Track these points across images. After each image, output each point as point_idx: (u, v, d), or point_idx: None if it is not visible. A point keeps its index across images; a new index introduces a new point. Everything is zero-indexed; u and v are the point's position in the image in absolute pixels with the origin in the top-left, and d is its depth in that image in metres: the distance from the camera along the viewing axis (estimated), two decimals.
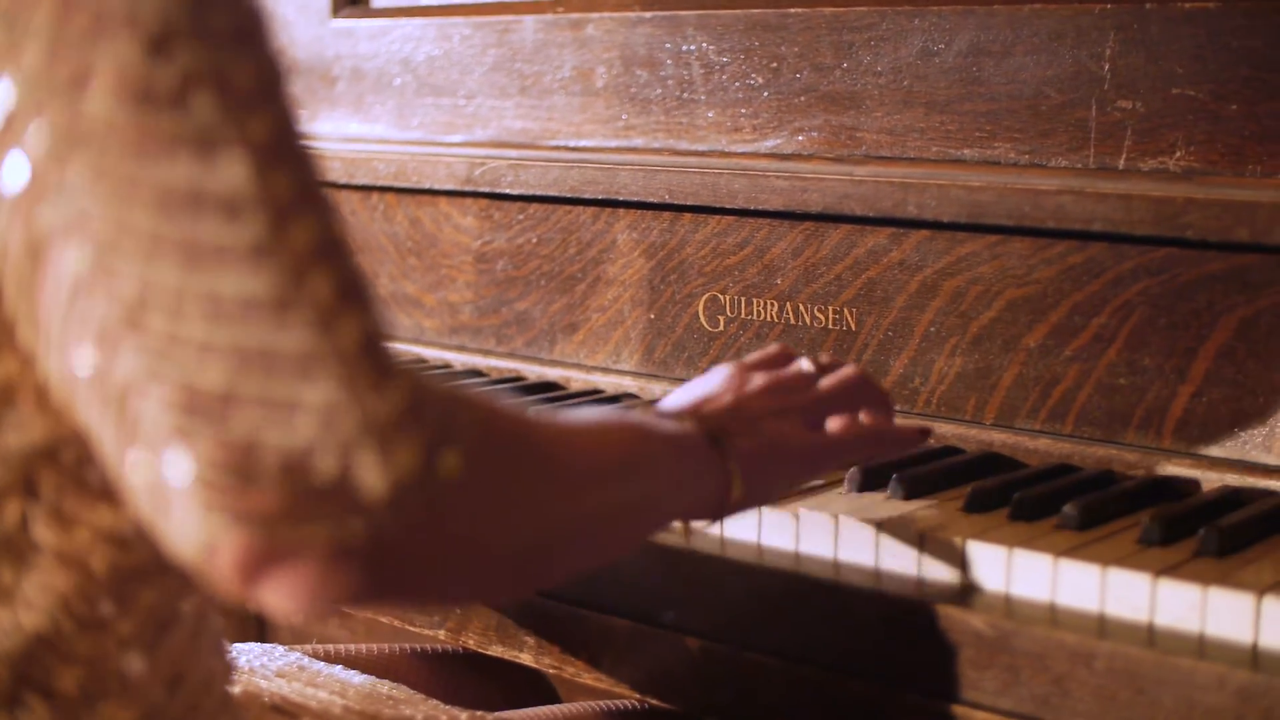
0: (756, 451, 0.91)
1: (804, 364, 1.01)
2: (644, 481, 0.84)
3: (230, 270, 0.62)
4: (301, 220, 0.64)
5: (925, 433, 1.05)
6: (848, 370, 1.01)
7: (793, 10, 1.33)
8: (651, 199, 1.34)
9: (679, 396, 0.97)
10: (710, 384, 0.97)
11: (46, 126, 0.63)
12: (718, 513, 0.90)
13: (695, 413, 0.92)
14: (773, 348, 1.03)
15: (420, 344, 1.56)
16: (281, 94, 0.66)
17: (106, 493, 0.71)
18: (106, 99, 0.62)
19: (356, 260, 0.67)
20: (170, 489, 0.63)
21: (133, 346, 0.62)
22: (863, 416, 1.01)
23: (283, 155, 0.65)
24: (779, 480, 0.96)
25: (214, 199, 0.63)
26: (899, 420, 1.05)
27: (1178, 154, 1.14)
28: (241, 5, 0.65)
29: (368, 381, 0.63)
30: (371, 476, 0.63)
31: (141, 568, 0.74)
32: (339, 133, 1.68)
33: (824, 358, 1.03)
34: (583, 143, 1.47)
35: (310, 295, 0.63)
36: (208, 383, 0.62)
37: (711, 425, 0.90)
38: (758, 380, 0.97)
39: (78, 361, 0.64)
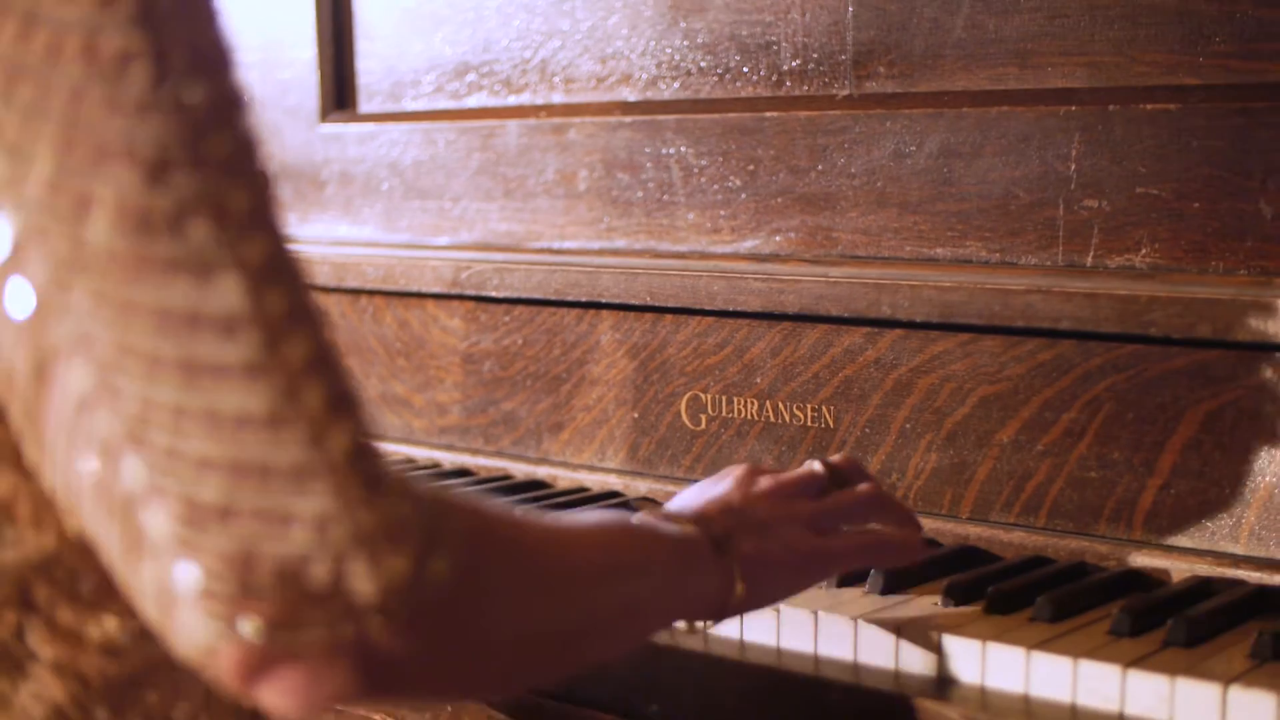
0: (759, 554, 0.93)
1: (814, 465, 1.04)
2: (640, 582, 0.87)
3: (227, 388, 0.66)
4: (294, 338, 0.67)
5: (928, 545, 1.07)
6: (864, 486, 1.04)
7: (768, 114, 1.38)
8: (633, 301, 1.39)
9: (687, 497, 1.00)
10: (718, 486, 1.00)
11: (49, 254, 0.66)
12: (720, 613, 0.93)
13: (700, 515, 0.94)
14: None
15: (410, 443, 1.59)
16: (273, 216, 0.70)
17: (100, 604, 0.75)
18: (107, 226, 0.66)
19: (347, 373, 0.70)
20: (174, 596, 0.66)
21: (135, 461, 0.66)
22: (874, 526, 1.04)
23: (275, 275, 0.68)
24: (781, 584, 0.97)
25: (210, 320, 0.66)
26: (910, 532, 1.06)
27: (1143, 251, 1.19)
28: (235, 133, 0.69)
29: (358, 493, 0.67)
30: (363, 583, 0.66)
31: (136, 676, 0.77)
32: (329, 235, 1.73)
33: (836, 457, 1.06)
34: (566, 244, 1.51)
35: (303, 411, 0.66)
36: (207, 496, 0.65)
37: (715, 528, 0.92)
38: (764, 483, 1.00)
39: (83, 475, 0.67)
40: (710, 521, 0.93)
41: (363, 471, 0.67)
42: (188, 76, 0.67)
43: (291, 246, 0.70)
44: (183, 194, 0.66)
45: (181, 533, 0.65)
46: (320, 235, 1.73)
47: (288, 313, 0.68)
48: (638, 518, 0.91)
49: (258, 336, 0.66)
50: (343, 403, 0.68)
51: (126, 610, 0.75)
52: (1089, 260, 1.21)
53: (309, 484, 0.66)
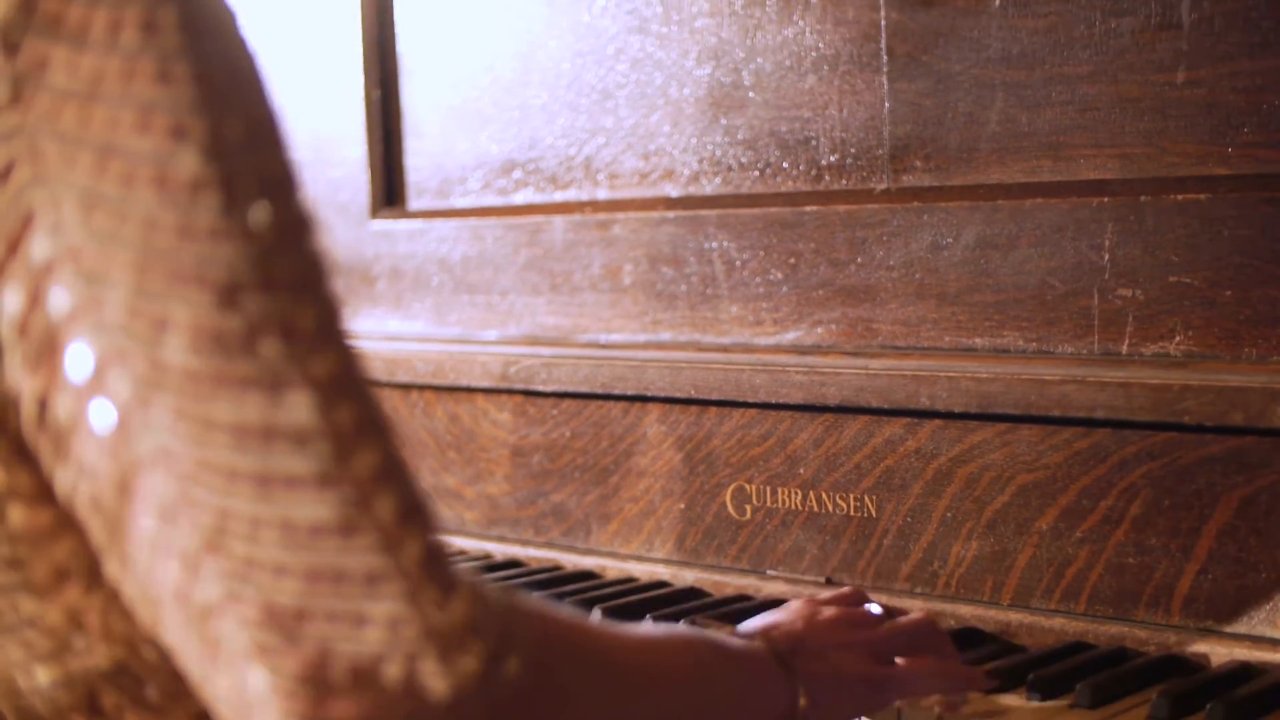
0: (822, 674, 1.00)
1: (874, 608, 1.12)
2: (705, 689, 0.92)
3: (301, 498, 0.70)
4: (363, 449, 0.71)
5: (984, 678, 1.12)
6: (917, 616, 1.12)
7: (808, 208, 1.43)
8: (679, 394, 1.44)
9: (754, 623, 1.06)
10: (783, 614, 1.07)
11: (130, 374, 0.70)
12: None
13: (765, 635, 1.01)
14: (846, 589, 1.15)
15: (462, 535, 1.64)
16: (340, 331, 0.73)
17: (166, 710, 0.79)
18: (183, 347, 0.70)
19: (416, 481, 0.74)
20: (251, 700, 0.70)
21: (213, 570, 0.70)
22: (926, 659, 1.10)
23: (344, 389, 0.72)
24: (844, 702, 1.03)
25: (283, 434, 0.70)
26: (958, 664, 1.13)
27: (1177, 339, 1.23)
28: (302, 253, 0.73)
29: (430, 596, 0.70)
30: (436, 682, 0.70)
31: None
32: (380, 330, 1.79)
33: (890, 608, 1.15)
34: (613, 337, 1.57)
35: (374, 519, 0.70)
36: (283, 602, 0.69)
37: (780, 646, 1.00)
38: (828, 613, 1.07)
39: (163, 584, 0.71)
40: (775, 639, 1.00)
41: (435, 575, 0.71)
42: (256, 202, 0.71)
43: (359, 360, 0.74)
44: (253, 315, 0.70)
45: (259, 638, 0.69)
46: (372, 330, 1.79)
47: (357, 425, 0.71)
48: (703, 632, 0.97)
49: (328, 449, 0.70)
50: (413, 510, 0.72)
51: (192, 715, 0.79)
52: (1124, 348, 1.25)
53: (382, 588, 0.70)
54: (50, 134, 0.71)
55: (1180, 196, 1.23)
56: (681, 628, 0.97)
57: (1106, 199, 1.26)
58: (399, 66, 1.80)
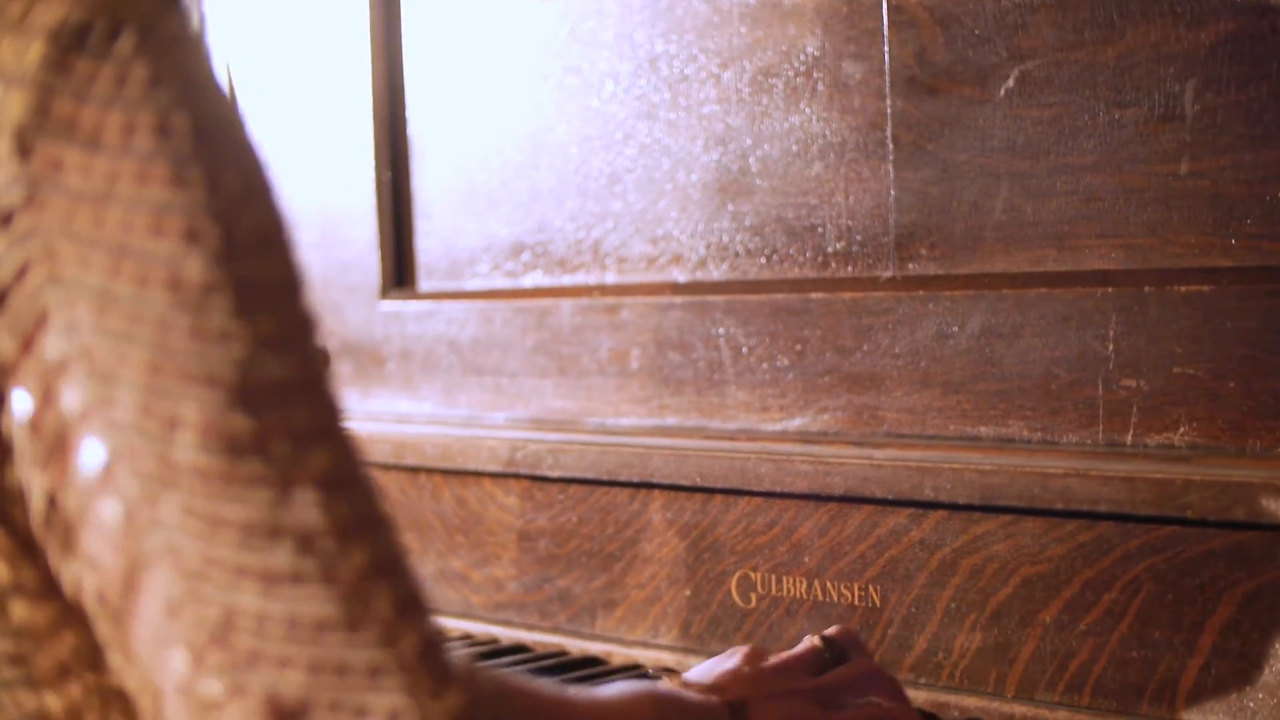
0: None
1: (814, 640, 1.16)
2: None
3: (305, 594, 0.71)
4: (363, 544, 0.73)
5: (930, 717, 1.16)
6: (860, 661, 1.14)
7: (814, 296, 1.44)
8: (684, 482, 1.45)
9: (700, 670, 1.11)
10: (728, 662, 1.11)
11: (139, 471, 0.72)
12: None
13: (718, 688, 1.06)
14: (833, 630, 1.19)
15: (467, 618, 1.65)
16: (338, 427, 0.76)
17: None
18: (192, 446, 0.71)
19: (413, 574, 0.76)
20: None
21: (218, 663, 0.71)
22: (875, 699, 1.12)
23: (345, 486, 0.74)
24: None
25: (289, 532, 0.72)
26: (905, 706, 1.17)
27: (1182, 429, 1.24)
28: (304, 353, 0.75)
29: (428, 688, 0.72)
30: None
31: None
32: (390, 410, 1.81)
33: (833, 630, 1.18)
34: (620, 421, 1.58)
35: (375, 613, 0.72)
36: (288, 694, 0.71)
37: (733, 698, 1.04)
38: (774, 660, 1.12)
39: (168, 677, 0.73)
40: (726, 690, 1.05)
41: (432, 666, 0.73)
42: (264, 305, 0.73)
43: (358, 454, 0.76)
44: (260, 415, 0.72)
45: None
46: (381, 410, 1.81)
47: (355, 521, 0.73)
48: (662, 685, 1.02)
49: (330, 545, 0.72)
50: (411, 602, 0.74)
51: None
52: (1128, 438, 1.26)
53: (383, 680, 0.72)
54: (65, 235, 0.73)
55: (1184, 288, 1.24)
56: (644, 685, 1.01)
57: (1111, 289, 1.28)
58: (409, 148, 1.82)
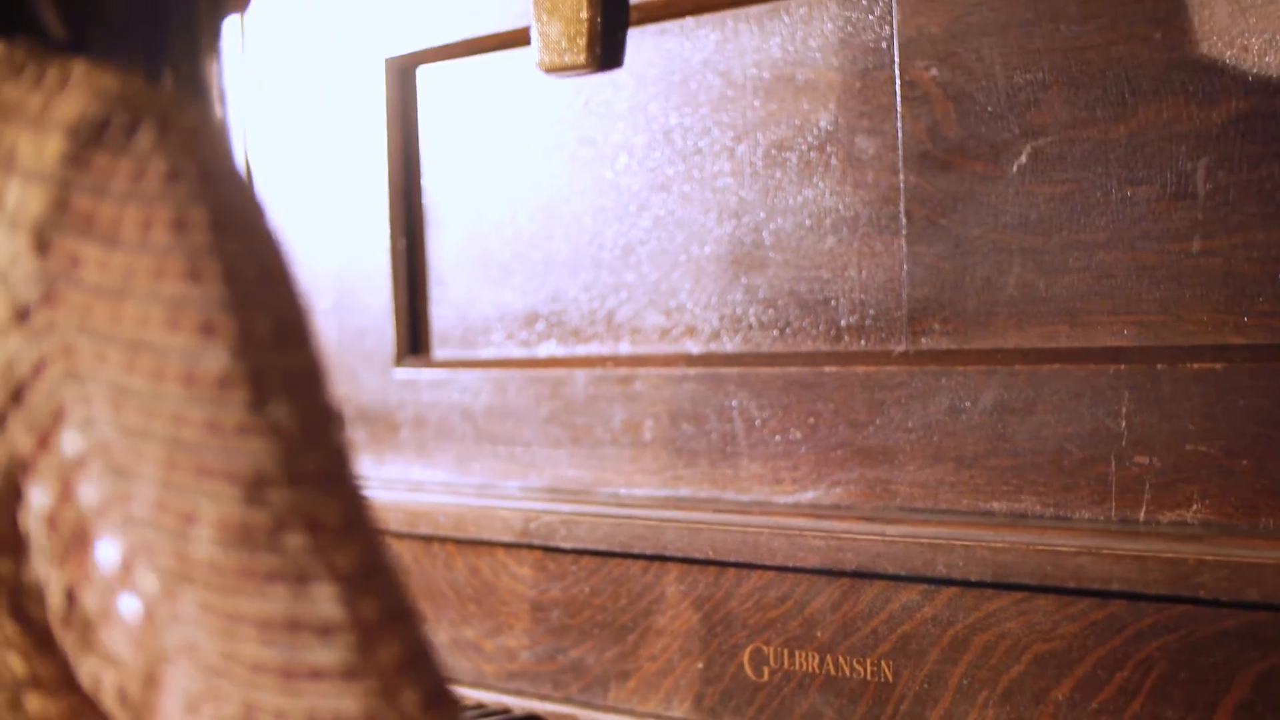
0: None
1: None
2: None
3: (326, 691, 0.71)
4: (388, 641, 0.73)
5: None
6: None
7: (827, 369, 1.45)
8: (697, 555, 1.46)
9: None
10: None
11: (157, 567, 0.72)
12: None
13: None
14: None
15: (480, 688, 1.66)
16: (366, 522, 0.75)
17: None
18: (209, 541, 0.71)
19: (441, 670, 0.76)
20: None
21: None
22: None
23: (369, 581, 0.73)
24: None
25: (308, 627, 0.71)
26: None
27: (1194, 507, 1.24)
28: (328, 448, 0.75)
29: None
30: None
31: None
32: (403, 477, 1.81)
33: None
34: (634, 492, 1.59)
35: (399, 710, 0.72)
36: None
37: None
38: None
39: None
40: None
41: None
42: (283, 400, 0.73)
43: (384, 548, 0.76)
44: (279, 510, 0.72)
45: None
46: (395, 477, 1.82)
47: (381, 617, 0.73)
48: None
49: (354, 641, 0.72)
50: (437, 698, 0.74)
51: None
52: (1141, 515, 1.26)
53: None
54: (82, 330, 0.73)
55: (1196, 365, 1.25)
56: None
57: (1123, 366, 1.28)
58: (425, 217, 1.84)
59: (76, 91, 0.75)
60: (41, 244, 0.73)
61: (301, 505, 0.73)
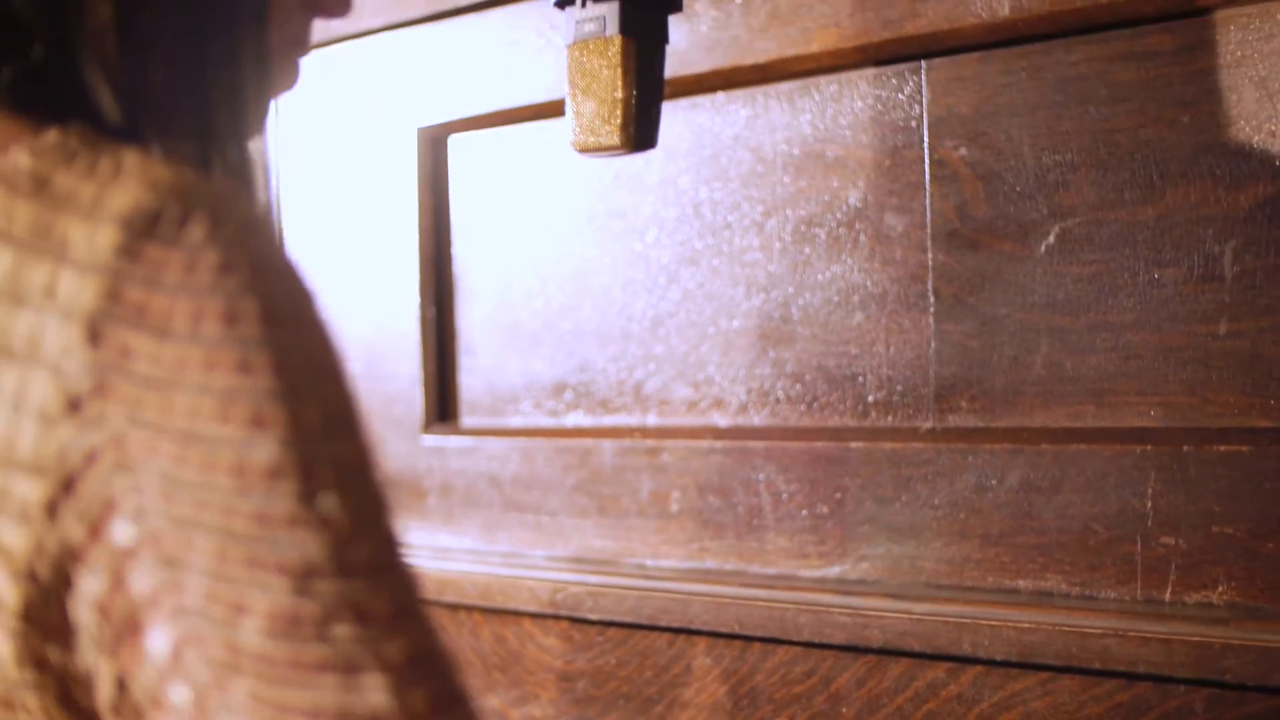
0: None
1: None
2: None
3: None
4: None
5: None
6: None
7: (854, 445, 1.46)
8: (723, 629, 1.47)
9: None
10: None
11: (207, 657, 0.73)
12: None
13: None
14: None
15: None
16: (418, 611, 0.76)
17: None
18: (258, 632, 0.72)
19: None
20: None
21: None
22: None
23: (420, 671, 0.74)
24: None
25: (358, 718, 0.72)
26: None
27: (1220, 588, 1.25)
28: (378, 538, 0.76)
29: None
30: None
31: None
32: (430, 543, 1.83)
33: None
34: (660, 563, 1.60)
35: None
36: None
37: None
38: None
39: None
40: None
41: None
42: (333, 491, 0.74)
43: (436, 637, 0.76)
44: (328, 600, 0.73)
45: None
46: (422, 543, 1.83)
47: (432, 707, 0.74)
48: None
49: None
50: None
51: None
52: (1167, 596, 1.27)
53: None
54: (133, 422, 0.74)
55: (1222, 447, 1.26)
56: None
57: (1149, 447, 1.29)
58: (454, 285, 1.86)
59: (129, 182, 0.76)
60: (94, 335, 0.74)
61: (351, 596, 0.73)
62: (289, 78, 1.04)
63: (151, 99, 0.86)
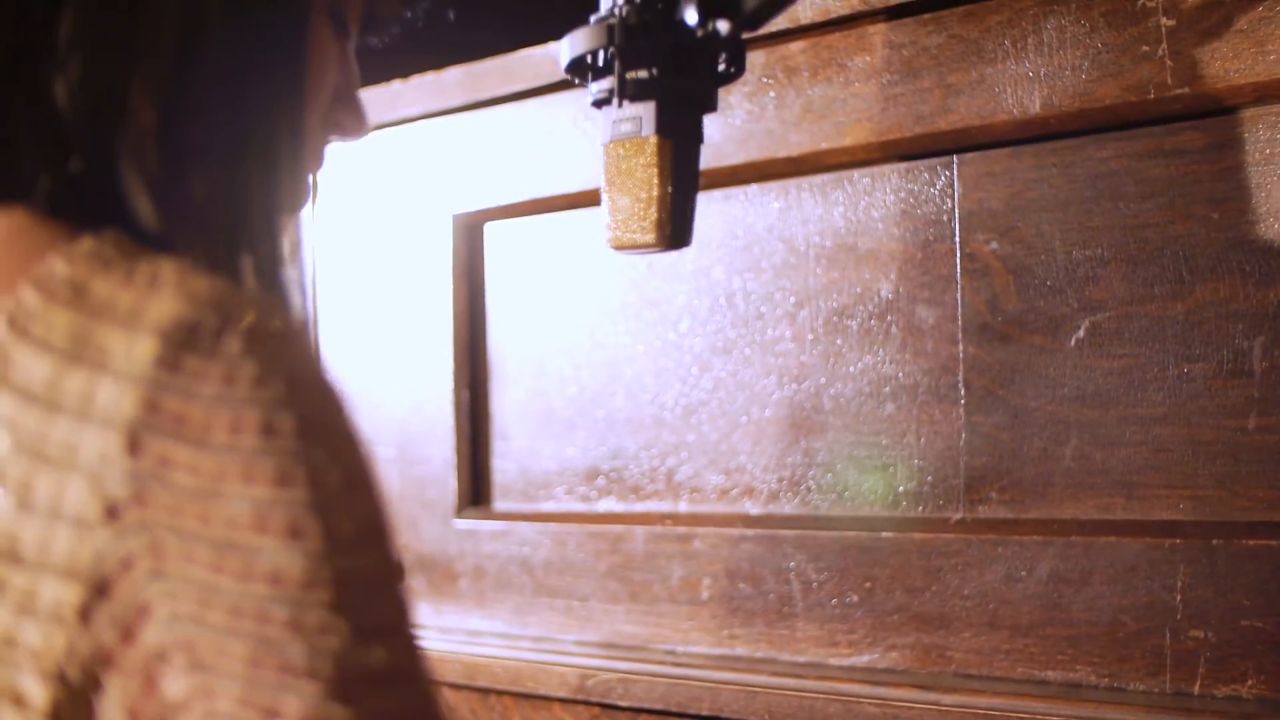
0: None
1: None
2: None
3: None
4: None
5: None
6: None
7: (884, 535, 1.48)
8: (753, 717, 1.48)
9: None
10: None
11: None
12: None
13: None
14: None
15: None
16: (438, 713, 0.79)
17: None
18: None
19: None
20: None
21: None
22: None
23: None
24: None
25: None
26: None
27: (1249, 682, 1.26)
28: (397, 645, 0.78)
29: None
30: None
31: None
32: (461, 626, 1.84)
33: None
34: (690, 650, 1.61)
35: None
36: None
37: None
38: None
39: None
40: None
41: None
42: (362, 598, 0.77)
43: None
44: (358, 706, 0.75)
45: None
46: (453, 626, 1.85)
47: None
48: None
49: None
50: None
51: None
52: (1196, 688, 1.28)
53: None
54: (170, 530, 0.76)
55: (1251, 541, 1.27)
56: None
57: (1179, 540, 1.31)
58: (489, 371, 1.88)
59: (167, 293, 0.78)
60: (133, 444, 0.76)
61: (377, 703, 0.76)
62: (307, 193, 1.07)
63: (190, 208, 0.88)
